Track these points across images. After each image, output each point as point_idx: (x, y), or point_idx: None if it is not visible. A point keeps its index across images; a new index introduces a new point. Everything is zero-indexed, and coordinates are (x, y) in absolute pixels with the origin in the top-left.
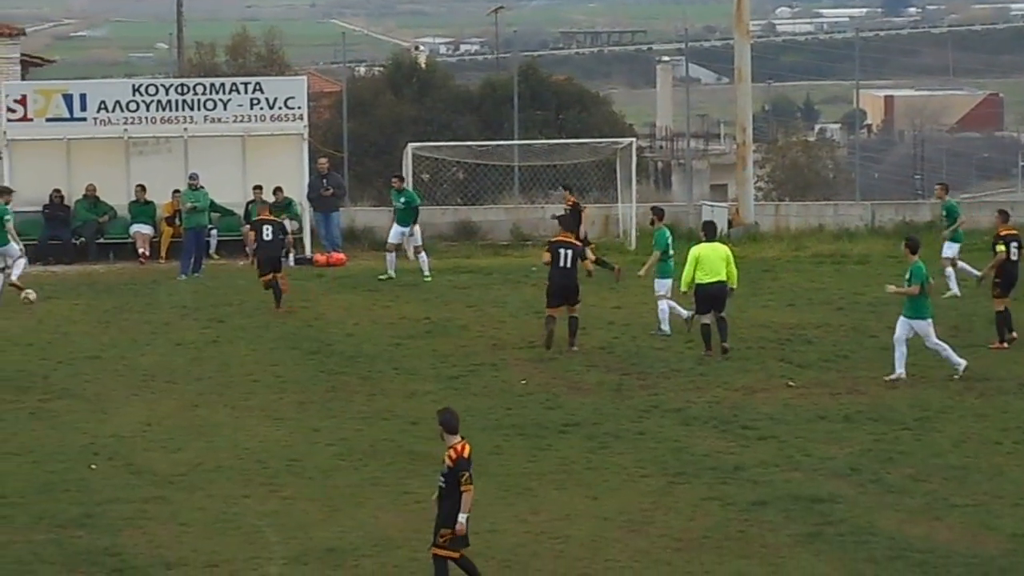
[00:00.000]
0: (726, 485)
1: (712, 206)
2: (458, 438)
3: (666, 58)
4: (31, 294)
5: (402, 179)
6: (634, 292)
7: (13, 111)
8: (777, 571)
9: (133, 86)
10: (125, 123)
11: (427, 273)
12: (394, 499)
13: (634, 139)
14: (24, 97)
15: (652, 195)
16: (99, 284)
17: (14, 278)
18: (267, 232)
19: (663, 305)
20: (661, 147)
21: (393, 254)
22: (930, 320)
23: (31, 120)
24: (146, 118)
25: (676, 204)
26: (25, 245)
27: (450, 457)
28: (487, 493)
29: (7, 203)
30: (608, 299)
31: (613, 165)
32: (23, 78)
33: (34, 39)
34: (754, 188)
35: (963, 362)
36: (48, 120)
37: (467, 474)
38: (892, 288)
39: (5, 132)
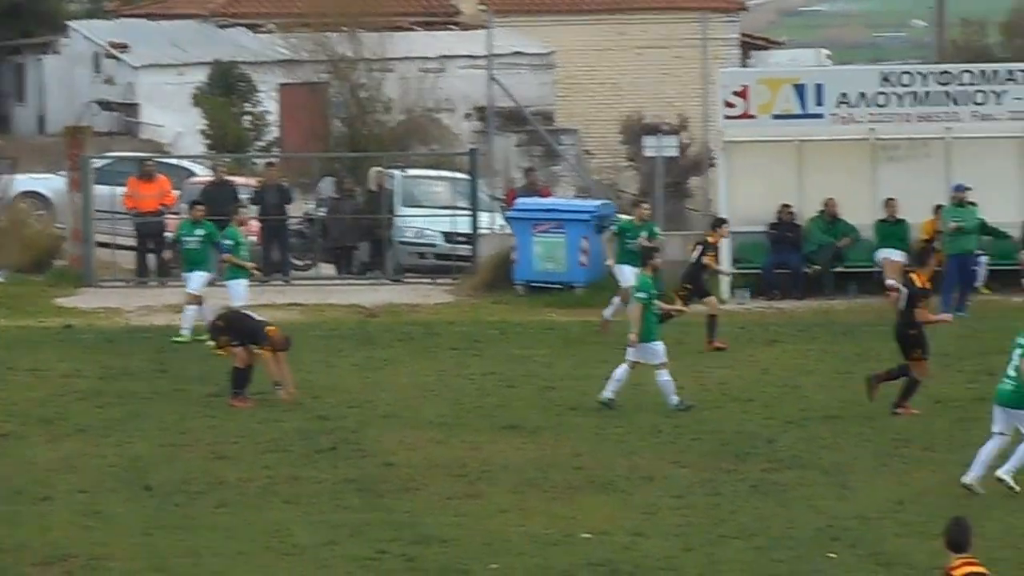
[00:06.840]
0: None
1: None
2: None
3: None
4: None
5: None
6: None
7: (732, 106)
8: None
9: (882, 74)
10: (871, 121)
11: None
12: None
13: None
14: (745, 89)
15: None
16: (837, 324)
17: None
18: None
19: None
20: None
21: None
22: None
23: (753, 117)
24: (898, 115)
25: None
26: (747, 273)
27: None
28: None
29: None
30: None
31: None
32: (743, 64)
33: (756, 16)
34: None
35: None
36: (775, 117)
37: None
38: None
39: (722, 131)
